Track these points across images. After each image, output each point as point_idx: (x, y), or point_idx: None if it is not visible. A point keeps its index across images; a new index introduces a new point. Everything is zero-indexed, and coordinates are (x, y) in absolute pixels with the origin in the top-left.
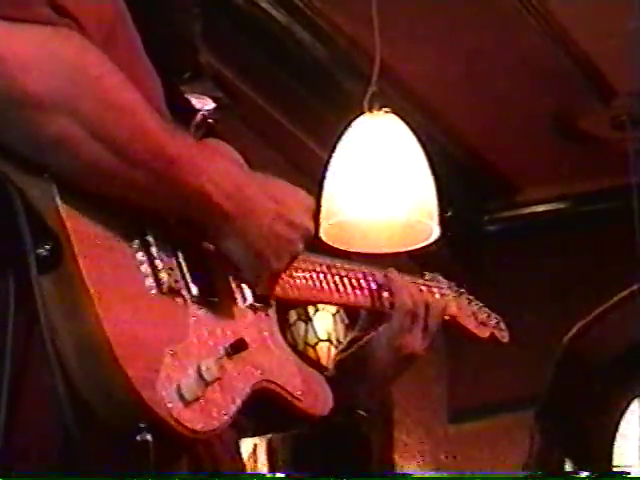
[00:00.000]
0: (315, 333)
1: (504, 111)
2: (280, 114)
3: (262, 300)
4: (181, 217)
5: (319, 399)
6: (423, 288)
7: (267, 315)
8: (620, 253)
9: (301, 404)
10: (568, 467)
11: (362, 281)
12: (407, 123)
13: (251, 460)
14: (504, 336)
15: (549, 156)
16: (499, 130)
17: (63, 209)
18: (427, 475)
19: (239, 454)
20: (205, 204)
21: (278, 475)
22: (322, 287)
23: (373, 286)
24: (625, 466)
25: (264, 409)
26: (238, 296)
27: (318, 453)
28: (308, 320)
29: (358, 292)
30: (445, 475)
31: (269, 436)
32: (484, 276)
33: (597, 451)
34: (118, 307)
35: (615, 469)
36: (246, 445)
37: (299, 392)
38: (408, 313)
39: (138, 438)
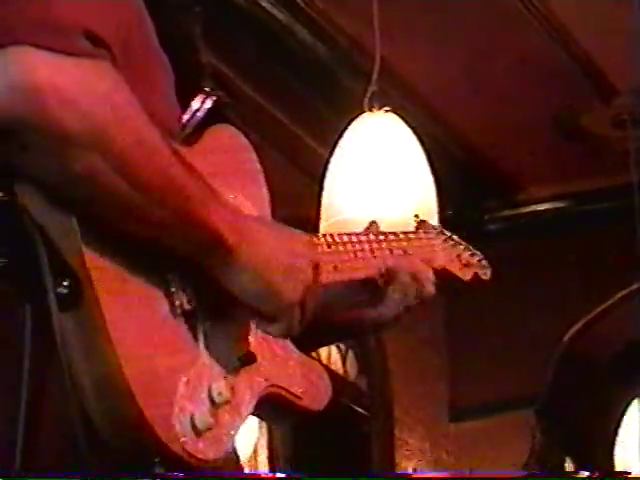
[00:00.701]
0: None
1: (505, 110)
2: (281, 113)
3: None
4: (191, 253)
5: (319, 393)
6: (413, 240)
7: None
8: (620, 252)
9: (302, 402)
10: (569, 466)
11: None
12: (407, 122)
13: (252, 460)
14: (486, 273)
15: (550, 155)
16: (500, 129)
17: (83, 246)
18: (428, 474)
19: (237, 456)
20: (216, 240)
21: (278, 475)
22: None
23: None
24: (626, 466)
25: (266, 409)
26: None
27: (319, 452)
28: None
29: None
30: (446, 474)
31: (270, 437)
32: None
33: (598, 450)
34: (136, 343)
35: (616, 469)
36: (247, 446)
37: (301, 391)
38: (406, 294)
39: (153, 473)
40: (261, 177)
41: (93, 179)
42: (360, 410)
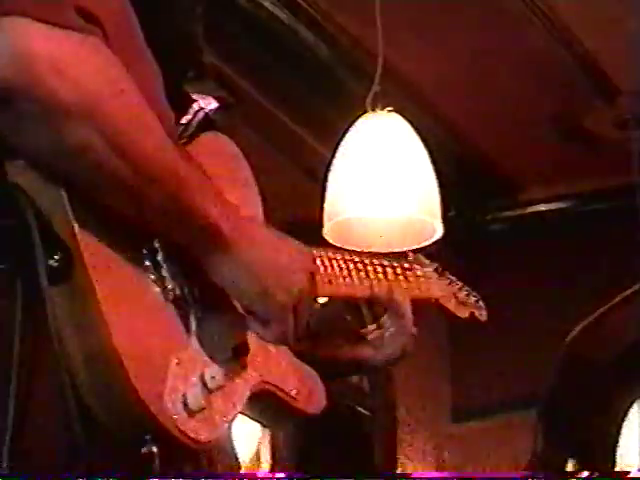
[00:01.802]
0: None
1: (507, 110)
2: (283, 113)
3: None
4: (186, 242)
5: (313, 396)
6: (408, 273)
7: None
8: (623, 253)
9: (296, 403)
10: (570, 467)
11: (353, 275)
12: (410, 122)
13: (255, 462)
14: (482, 314)
15: (552, 155)
16: (502, 129)
17: (74, 219)
18: (430, 475)
19: (235, 455)
20: (212, 229)
21: (278, 475)
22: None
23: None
24: (627, 466)
25: (262, 407)
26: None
27: (321, 453)
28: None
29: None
30: (448, 474)
31: (271, 437)
32: (486, 275)
33: (600, 451)
34: (127, 318)
35: (617, 469)
36: (249, 446)
37: (295, 391)
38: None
39: (144, 449)
40: (254, 185)
41: (87, 153)
42: (362, 411)
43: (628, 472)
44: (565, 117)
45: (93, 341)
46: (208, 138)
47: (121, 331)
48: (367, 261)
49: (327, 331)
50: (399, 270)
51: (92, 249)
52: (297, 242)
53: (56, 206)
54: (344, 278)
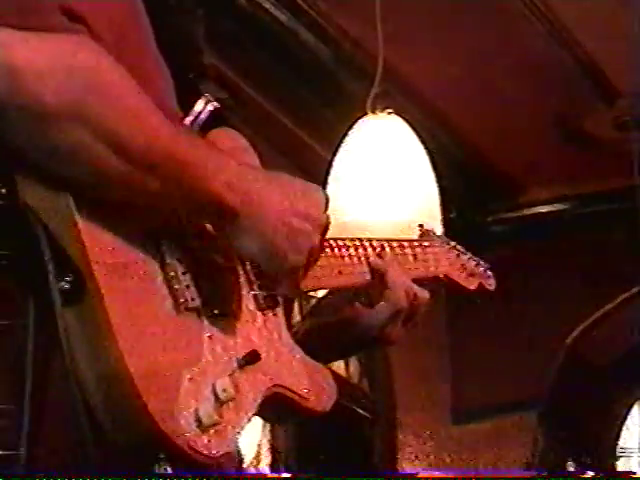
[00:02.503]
0: None
1: (508, 112)
2: (283, 115)
3: (270, 300)
4: (195, 220)
5: (324, 394)
6: (418, 250)
7: (275, 315)
8: (623, 254)
9: (307, 402)
10: (571, 468)
11: (362, 260)
12: (410, 124)
13: (255, 462)
14: (491, 284)
15: (552, 157)
16: (503, 131)
17: (86, 243)
18: (429, 475)
19: (240, 456)
20: (217, 204)
21: (284, 475)
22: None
23: (367, 269)
24: (627, 467)
25: (271, 408)
26: (248, 301)
27: (321, 454)
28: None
29: (351, 274)
30: (448, 475)
31: (273, 439)
32: None
33: (600, 452)
34: (138, 337)
35: (618, 470)
36: (250, 447)
37: (306, 390)
38: (398, 309)
39: (156, 469)
40: None
41: (80, 152)
42: (362, 412)
43: (633, 473)
44: (565, 119)
45: (105, 362)
46: (219, 132)
47: (132, 351)
48: (376, 243)
49: (335, 310)
50: (408, 249)
51: (103, 270)
52: (314, 189)
53: (65, 227)
54: (347, 266)
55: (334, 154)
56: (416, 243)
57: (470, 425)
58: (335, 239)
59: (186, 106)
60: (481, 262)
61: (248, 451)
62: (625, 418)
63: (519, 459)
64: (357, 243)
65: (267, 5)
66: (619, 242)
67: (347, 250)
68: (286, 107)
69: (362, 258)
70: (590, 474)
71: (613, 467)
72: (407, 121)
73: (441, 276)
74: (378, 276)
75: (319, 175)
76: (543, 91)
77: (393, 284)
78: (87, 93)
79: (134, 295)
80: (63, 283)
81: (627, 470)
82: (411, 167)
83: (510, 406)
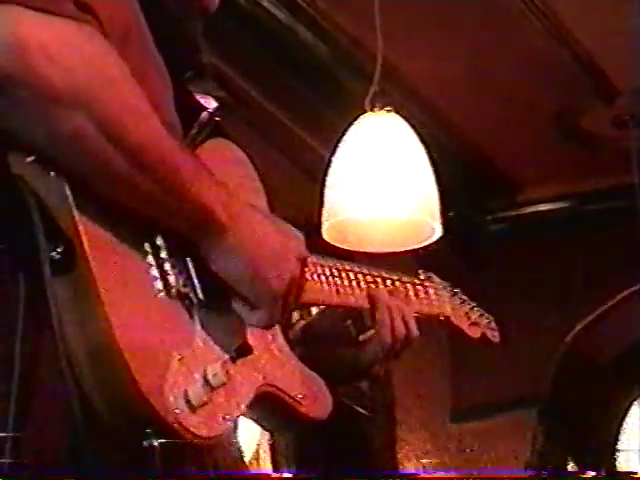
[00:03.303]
0: None
1: (506, 110)
2: (282, 113)
3: None
4: (181, 229)
5: (319, 402)
6: (419, 288)
7: None
8: (622, 253)
9: (302, 408)
10: (570, 466)
11: (354, 285)
12: (409, 122)
13: (254, 461)
14: (495, 336)
15: (551, 155)
16: (501, 129)
17: (76, 212)
18: (430, 475)
19: (241, 456)
20: (206, 216)
21: (285, 475)
22: (322, 288)
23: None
24: (628, 466)
25: (266, 411)
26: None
27: (320, 453)
28: None
29: (350, 295)
30: (448, 475)
31: (272, 438)
32: (486, 275)
33: (600, 450)
34: (128, 312)
35: (618, 468)
36: (250, 446)
37: (300, 396)
38: (391, 342)
39: (145, 443)
40: (262, 191)
41: (80, 141)
42: (361, 411)
43: (633, 472)
44: (564, 117)
45: (94, 333)
46: (214, 144)
47: (122, 324)
48: (375, 273)
49: (325, 336)
50: (409, 286)
51: (94, 242)
52: (295, 231)
53: (58, 198)
54: (346, 287)
55: (333, 152)
56: (418, 282)
57: (469, 423)
58: (335, 264)
59: (183, 107)
60: (485, 313)
61: (248, 451)
62: (625, 417)
63: (519, 458)
64: (357, 269)
65: (266, 3)
66: (618, 240)
67: (347, 274)
68: (285, 105)
69: (361, 283)
70: (590, 473)
71: (613, 466)
72: (406, 119)
73: (442, 318)
74: (374, 300)
75: (317, 173)
76: (542, 89)
77: (389, 310)
78: (93, 82)
79: (124, 272)
80: (54, 253)
81: (627, 470)
82: (410, 165)
83: (510, 404)
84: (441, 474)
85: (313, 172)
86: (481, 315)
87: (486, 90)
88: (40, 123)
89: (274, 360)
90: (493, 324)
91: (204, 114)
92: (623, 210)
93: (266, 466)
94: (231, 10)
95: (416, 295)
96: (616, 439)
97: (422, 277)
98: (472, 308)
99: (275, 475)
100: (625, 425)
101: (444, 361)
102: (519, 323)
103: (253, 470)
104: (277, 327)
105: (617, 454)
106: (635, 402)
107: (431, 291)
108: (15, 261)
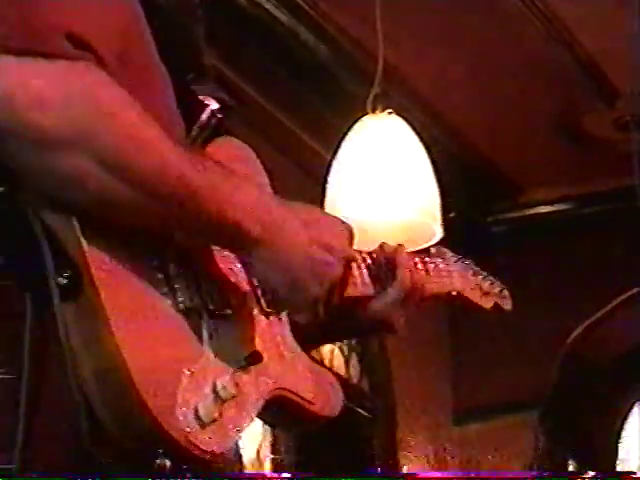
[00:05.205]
0: None
1: (508, 112)
2: (283, 115)
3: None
4: (212, 244)
5: (330, 400)
6: (430, 266)
7: (280, 319)
8: (623, 255)
9: (313, 407)
10: (572, 468)
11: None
12: (410, 124)
13: (255, 463)
14: (507, 304)
15: (553, 157)
16: (503, 131)
17: (83, 240)
18: (430, 475)
19: (240, 458)
20: (235, 232)
21: (284, 475)
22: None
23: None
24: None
25: (276, 413)
26: (252, 305)
27: (321, 455)
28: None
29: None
30: (449, 476)
31: (273, 438)
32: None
33: (601, 452)
34: (137, 333)
35: (620, 470)
36: (250, 448)
37: (311, 395)
38: (405, 291)
39: (157, 463)
40: (268, 186)
41: (83, 179)
42: (363, 412)
43: (633, 473)
44: (566, 119)
45: (103, 357)
46: (224, 142)
47: (130, 346)
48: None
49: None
50: (419, 264)
51: (102, 266)
52: (337, 222)
53: (64, 224)
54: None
55: (334, 154)
56: (428, 259)
57: (471, 425)
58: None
59: (185, 107)
60: (496, 282)
61: (249, 452)
62: (625, 418)
63: (520, 459)
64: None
65: (268, 5)
66: (619, 242)
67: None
68: (286, 107)
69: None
70: (590, 474)
71: (613, 467)
72: (407, 121)
73: (454, 293)
74: (389, 258)
75: (318, 175)
76: (543, 91)
77: (400, 264)
78: (87, 120)
79: (132, 292)
80: (61, 279)
81: (627, 470)
82: (411, 167)
83: (511, 406)
84: (441, 474)
85: (314, 174)
86: (492, 284)
87: (488, 92)
88: (41, 168)
89: (284, 363)
90: (505, 292)
91: (205, 113)
92: (624, 212)
93: (266, 466)
94: (233, 12)
95: (427, 272)
96: (617, 441)
97: (433, 252)
98: (484, 278)
99: (275, 476)
100: (626, 426)
101: (445, 363)
102: (520, 325)
103: (253, 470)
104: (287, 327)
105: (618, 455)
106: (635, 404)
107: (442, 267)
108: (22, 281)
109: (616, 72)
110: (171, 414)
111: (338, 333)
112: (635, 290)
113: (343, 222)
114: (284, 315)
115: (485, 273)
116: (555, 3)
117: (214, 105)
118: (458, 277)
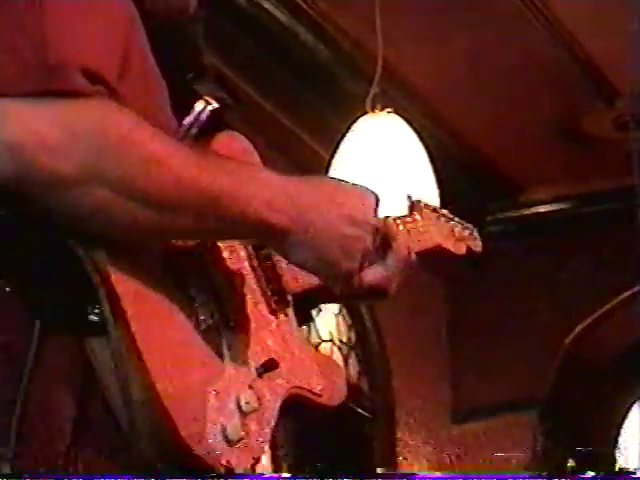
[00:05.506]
0: (318, 333)
1: (507, 112)
2: (283, 114)
3: (281, 302)
4: (242, 242)
5: (336, 389)
6: (409, 224)
7: (286, 315)
8: (622, 254)
9: (321, 399)
10: (571, 467)
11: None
12: (409, 123)
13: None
14: (477, 245)
15: (552, 157)
16: (502, 130)
17: (112, 273)
18: (430, 475)
19: None
20: (263, 227)
21: (284, 475)
22: None
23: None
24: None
25: (287, 408)
26: (261, 306)
27: (321, 454)
28: (311, 320)
29: None
30: (448, 476)
31: (272, 438)
32: (487, 277)
33: (600, 451)
34: (167, 363)
35: (619, 469)
36: None
37: (320, 387)
38: (401, 260)
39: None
40: None
41: (107, 211)
42: (362, 412)
43: (633, 472)
44: (565, 118)
45: (136, 391)
46: (224, 136)
47: (163, 378)
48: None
49: None
50: (401, 225)
51: (130, 299)
52: (359, 192)
53: (92, 258)
54: None
55: (333, 153)
56: (409, 219)
57: (470, 425)
58: None
59: (185, 107)
60: (468, 225)
61: None
62: (625, 418)
63: (519, 459)
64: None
65: (267, 5)
66: (619, 242)
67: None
68: (285, 106)
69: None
70: (590, 474)
71: (613, 467)
72: (406, 120)
73: (433, 247)
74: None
75: (318, 174)
76: (543, 91)
77: (394, 236)
78: (97, 154)
79: (159, 319)
80: (92, 315)
81: (627, 470)
82: (410, 166)
83: (510, 406)
84: (441, 475)
85: (313, 173)
86: (464, 228)
87: (487, 92)
88: (63, 209)
89: (294, 360)
90: (475, 234)
91: (205, 112)
92: (623, 211)
93: (266, 466)
94: (232, 11)
95: (408, 232)
96: (616, 440)
97: (410, 205)
98: (455, 224)
99: (275, 476)
100: (625, 426)
101: (444, 362)
102: (519, 324)
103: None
104: (294, 322)
105: (617, 455)
106: (635, 404)
107: (420, 223)
108: (37, 311)
109: (616, 72)
110: (202, 439)
111: (332, 298)
112: (634, 290)
113: (366, 190)
114: (290, 311)
115: (457, 219)
116: (555, 3)
117: (214, 104)
118: (435, 230)
